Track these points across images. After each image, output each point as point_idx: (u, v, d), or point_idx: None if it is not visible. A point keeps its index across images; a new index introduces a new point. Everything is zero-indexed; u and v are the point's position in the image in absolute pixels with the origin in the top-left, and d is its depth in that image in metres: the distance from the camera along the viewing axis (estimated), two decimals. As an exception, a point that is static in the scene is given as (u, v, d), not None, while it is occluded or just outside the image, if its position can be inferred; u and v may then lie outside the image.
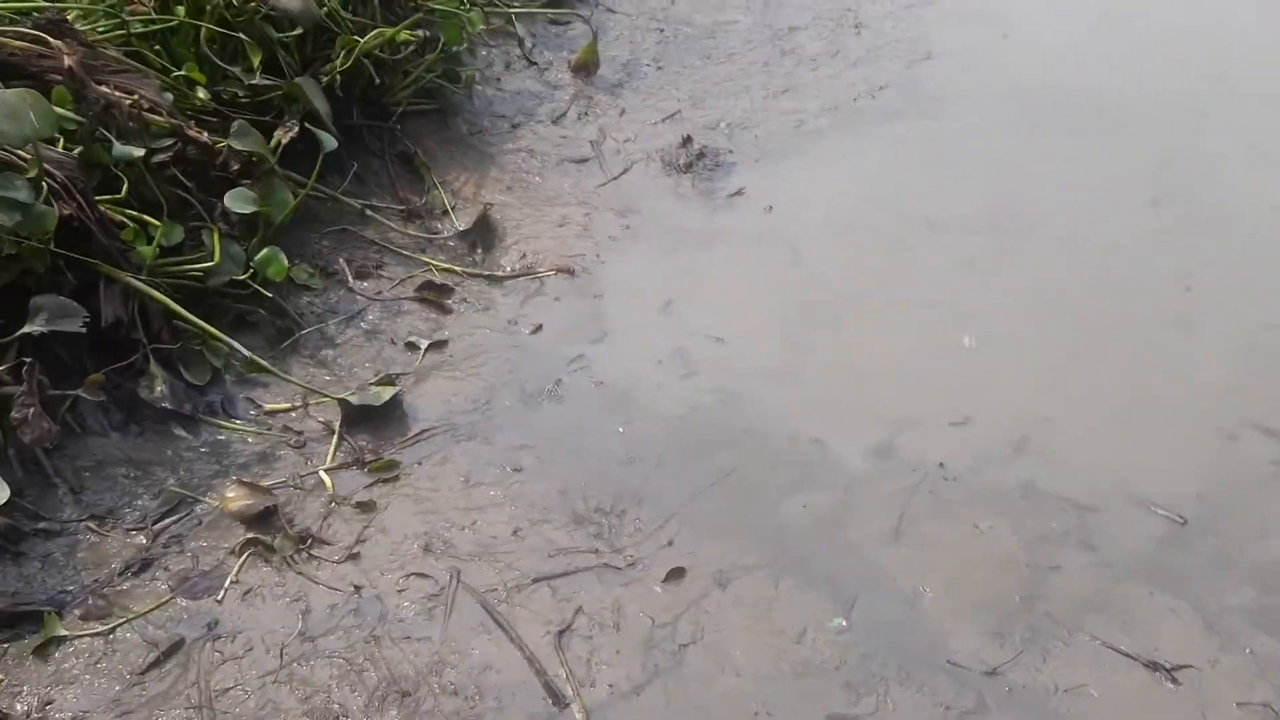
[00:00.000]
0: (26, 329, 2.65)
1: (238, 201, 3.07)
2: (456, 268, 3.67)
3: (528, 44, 4.73)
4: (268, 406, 3.09)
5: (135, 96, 3.03)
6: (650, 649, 2.45)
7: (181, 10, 3.37)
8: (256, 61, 3.40)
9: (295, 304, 3.38)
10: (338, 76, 3.69)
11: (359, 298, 3.52)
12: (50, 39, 2.90)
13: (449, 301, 3.54)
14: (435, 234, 3.83)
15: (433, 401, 3.16)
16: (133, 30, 3.30)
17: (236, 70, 3.48)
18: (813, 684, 2.39)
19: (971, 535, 2.74)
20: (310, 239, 3.64)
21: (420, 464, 2.96)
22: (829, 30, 5.07)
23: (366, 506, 2.81)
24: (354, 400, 3.02)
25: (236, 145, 3.20)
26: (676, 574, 2.64)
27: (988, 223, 3.84)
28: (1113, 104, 4.47)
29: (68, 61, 2.82)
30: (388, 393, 3.05)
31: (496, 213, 3.90)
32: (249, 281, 3.22)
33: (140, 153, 2.94)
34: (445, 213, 3.92)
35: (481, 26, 4.22)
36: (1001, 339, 3.33)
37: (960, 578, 2.63)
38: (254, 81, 3.45)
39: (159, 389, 2.93)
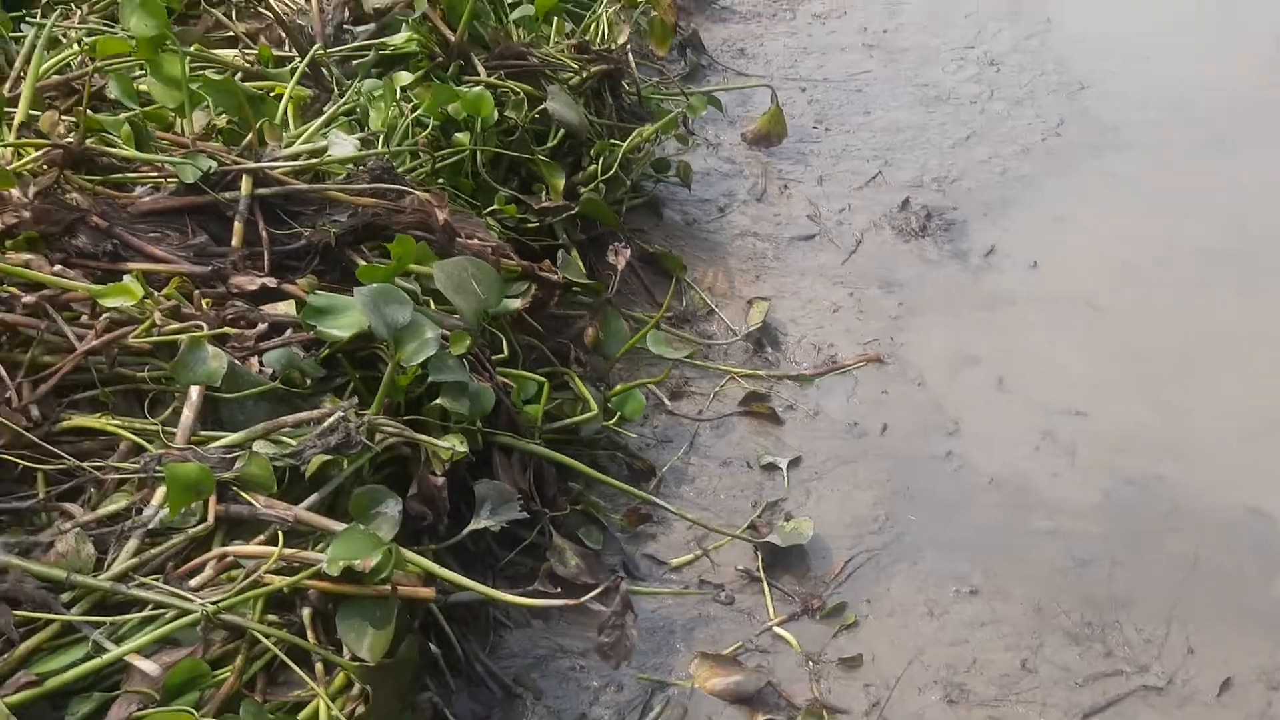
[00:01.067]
0: (479, 524, 2.31)
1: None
2: (760, 372, 3.43)
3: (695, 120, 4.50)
4: (673, 562, 2.79)
5: (479, 241, 2.71)
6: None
7: (465, 138, 3.04)
8: (560, 183, 3.09)
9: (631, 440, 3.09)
10: (601, 186, 3.41)
11: (683, 420, 3.24)
12: (409, 191, 2.55)
13: (776, 409, 3.29)
14: (712, 338, 3.57)
15: (831, 526, 2.90)
16: (426, 167, 2.96)
17: (515, 192, 3.17)
18: None
19: None
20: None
21: (869, 602, 2.70)
22: (966, 69, 5.00)
23: (852, 663, 2.54)
24: (778, 541, 2.75)
25: (571, 276, 2.89)
26: (1226, 685, 2.46)
27: (1262, 245, 3.80)
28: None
29: (441, 216, 2.48)
30: (808, 528, 2.79)
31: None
32: (607, 426, 2.91)
33: (519, 304, 2.61)
34: (711, 312, 3.66)
35: (703, 111, 3.98)
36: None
37: None
38: (546, 204, 3.13)
39: (572, 563, 2.60)
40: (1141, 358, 3.40)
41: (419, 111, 2.95)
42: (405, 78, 3.12)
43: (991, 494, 3.00)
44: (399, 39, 3.24)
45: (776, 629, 2.63)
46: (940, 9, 5.46)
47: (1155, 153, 4.34)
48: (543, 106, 3.17)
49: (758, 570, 2.77)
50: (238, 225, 2.45)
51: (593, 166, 3.41)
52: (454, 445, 2.17)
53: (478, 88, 2.96)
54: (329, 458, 1.99)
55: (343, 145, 2.70)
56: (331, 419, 2.02)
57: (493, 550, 2.60)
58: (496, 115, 2.99)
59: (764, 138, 4.44)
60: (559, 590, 2.42)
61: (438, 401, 2.26)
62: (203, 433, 2.07)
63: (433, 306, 2.38)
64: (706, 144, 4.49)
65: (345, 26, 3.39)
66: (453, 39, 3.21)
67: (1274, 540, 2.81)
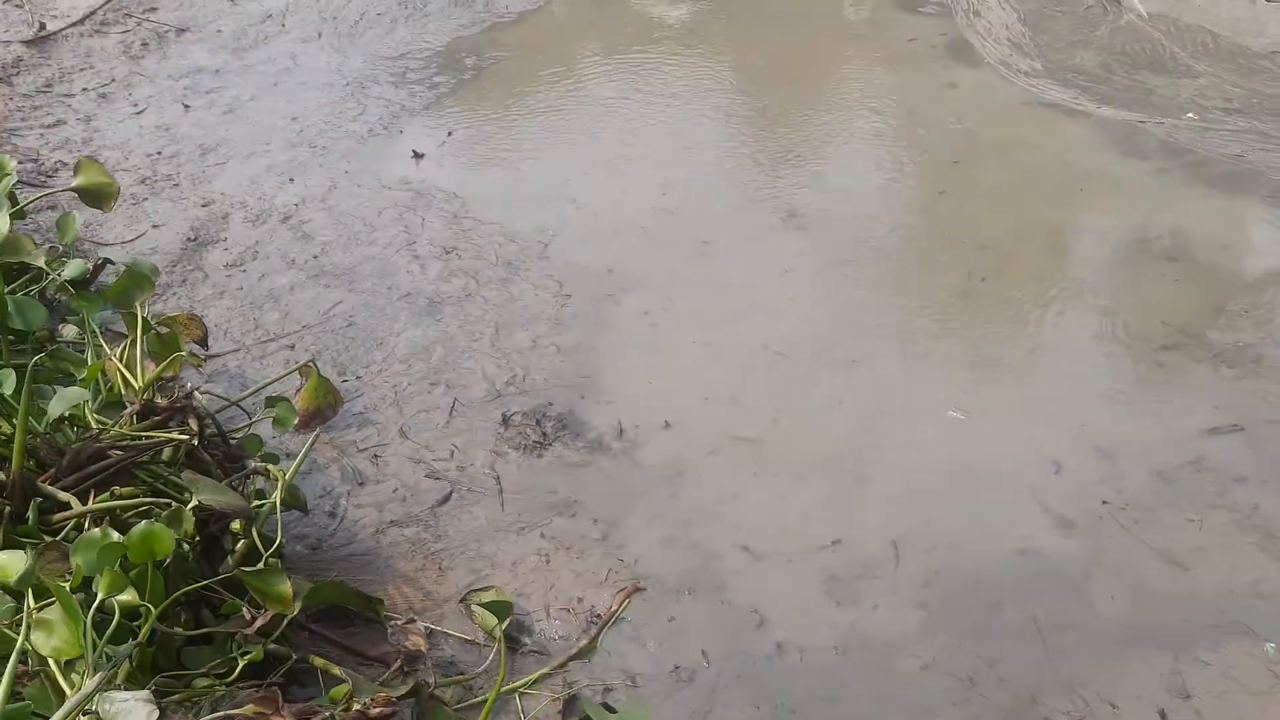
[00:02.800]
0: None
1: None
2: (537, 672, 2.92)
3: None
4: None
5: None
6: None
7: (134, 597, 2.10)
8: (286, 589, 2.27)
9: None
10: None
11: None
12: None
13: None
14: (457, 663, 2.95)
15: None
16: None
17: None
18: None
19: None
20: None
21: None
22: (430, 268, 4.80)
23: None
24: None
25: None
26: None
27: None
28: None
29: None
30: None
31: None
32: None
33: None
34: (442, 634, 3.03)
35: (293, 422, 3.24)
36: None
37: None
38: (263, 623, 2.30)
39: None
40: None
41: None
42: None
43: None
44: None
45: None
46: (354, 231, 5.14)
47: (663, 289, 4.54)
48: (194, 505, 2.30)
49: None
50: None
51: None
52: None
53: (141, 525, 2.03)
54: None
55: None
56: None
57: None
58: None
59: (316, 415, 3.76)
60: None
61: None
62: None
63: None
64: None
65: None
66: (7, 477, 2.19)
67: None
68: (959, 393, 3.89)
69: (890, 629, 3.09)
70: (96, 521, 2.19)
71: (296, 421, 3.66)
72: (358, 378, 4.11)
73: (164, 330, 3.16)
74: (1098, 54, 6.42)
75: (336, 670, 2.40)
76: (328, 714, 2.05)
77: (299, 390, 3.72)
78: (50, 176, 5.34)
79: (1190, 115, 5.60)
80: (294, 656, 2.38)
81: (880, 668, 2.98)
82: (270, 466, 2.88)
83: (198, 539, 2.42)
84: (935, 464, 3.61)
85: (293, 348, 4.25)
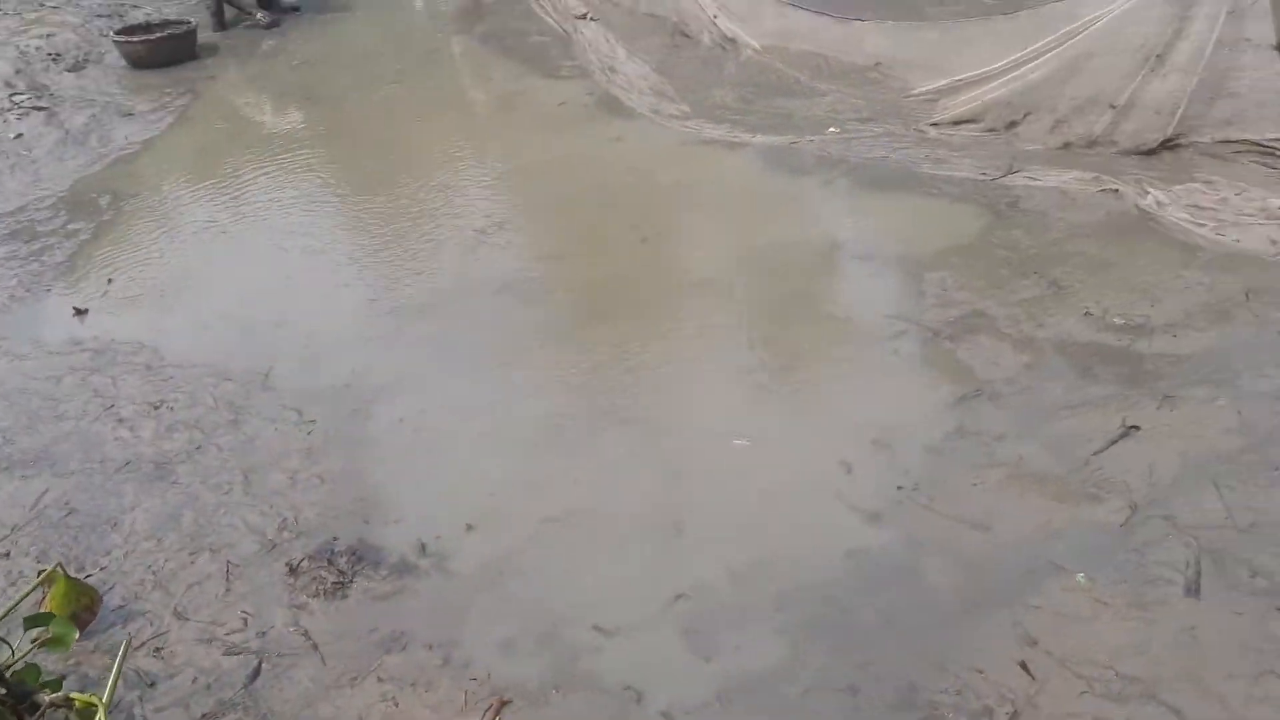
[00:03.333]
0: None
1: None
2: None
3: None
4: None
5: None
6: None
7: None
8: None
9: None
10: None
11: None
12: None
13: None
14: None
15: None
16: None
17: None
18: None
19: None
20: None
21: None
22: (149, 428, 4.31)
23: None
24: None
25: None
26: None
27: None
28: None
29: None
30: None
31: None
32: None
33: None
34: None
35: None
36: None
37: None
38: None
39: None
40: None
41: None
42: None
43: None
44: None
45: None
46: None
47: (412, 387, 4.35)
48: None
49: None
50: None
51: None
52: None
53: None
54: None
55: None
56: None
57: None
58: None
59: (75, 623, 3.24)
60: None
61: None
62: None
63: None
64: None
65: None
66: None
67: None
68: (736, 423, 3.99)
69: (762, 664, 3.09)
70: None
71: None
72: (101, 569, 3.57)
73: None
74: (733, 90, 6.93)
75: None
76: None
77: (43, 603, 3.21)
78: None
79: (832, 129, 6.17)
80: None
81: (767, 706, 2.97)
82: (76, 696, 2.41)
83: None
84: (741, 494, 3.67)
85: (8, 555, 3.63)
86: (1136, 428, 3.70)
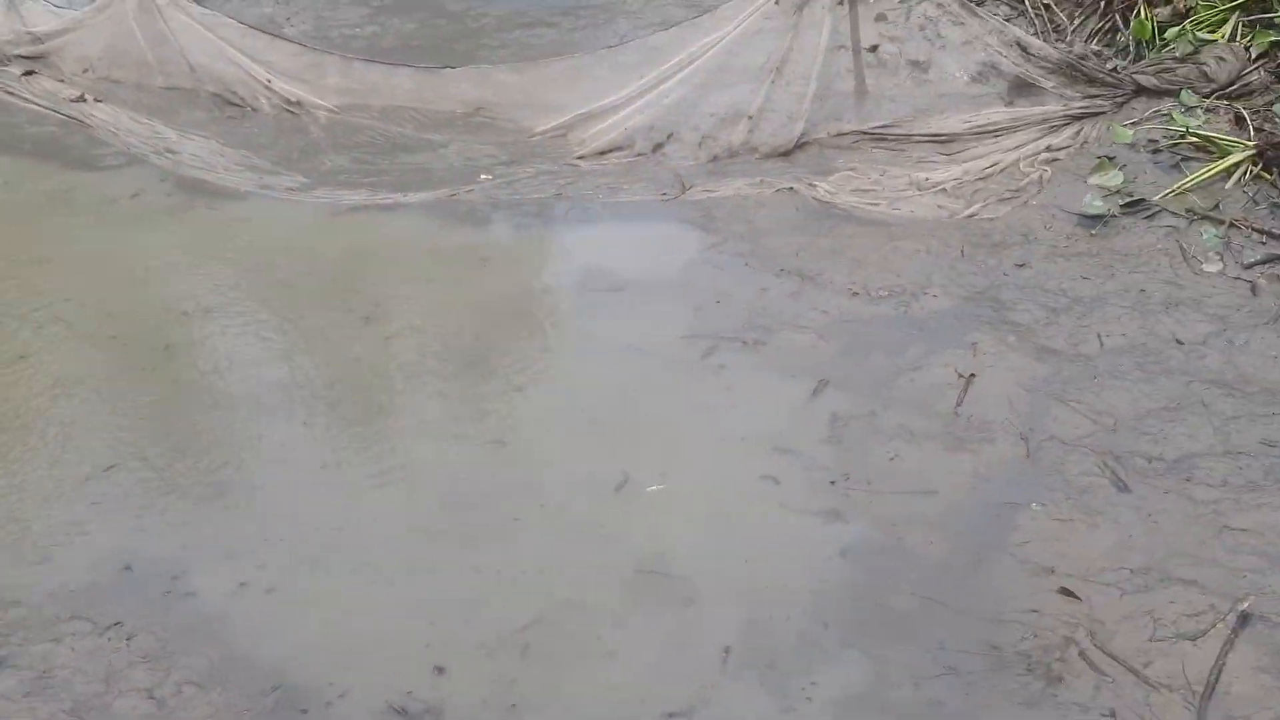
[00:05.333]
0: None
1: None
2: None
3: None
4: None
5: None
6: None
7: None
8: None
9: None
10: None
11: None
12: None
13: None
14: None
15: None
16: None
17: None
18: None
19: None
20: None
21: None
22: None
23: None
24: None
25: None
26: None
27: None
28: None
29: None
30: None
31: None
32: None
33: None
34: None
35: None
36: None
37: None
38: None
39: None
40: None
41: None
42: None
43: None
44: None
45: None
46: None
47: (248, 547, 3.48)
48: None
49: None
50: None
51: None
52: None
53: None
54: None
55: None
56: None
57: None
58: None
59: None
60: None
61: None
62: None
63: None
64: None
65: None
66: None
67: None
68: (636, 474, 3.78)
69: (859, 685, 3.02)
70: None
71: None
72: None
73: None
74: (341, 153, 6.40)
75: None
76: None
77: None
78: None
79: (484, 176, 5.98)
80: None
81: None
82: None
83: None
84: (688, 541, 3.51)
85: None
86: (973, 375, 4.17)
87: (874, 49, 6.09)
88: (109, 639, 3.26)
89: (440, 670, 3.12)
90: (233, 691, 3.08)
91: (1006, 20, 6.42)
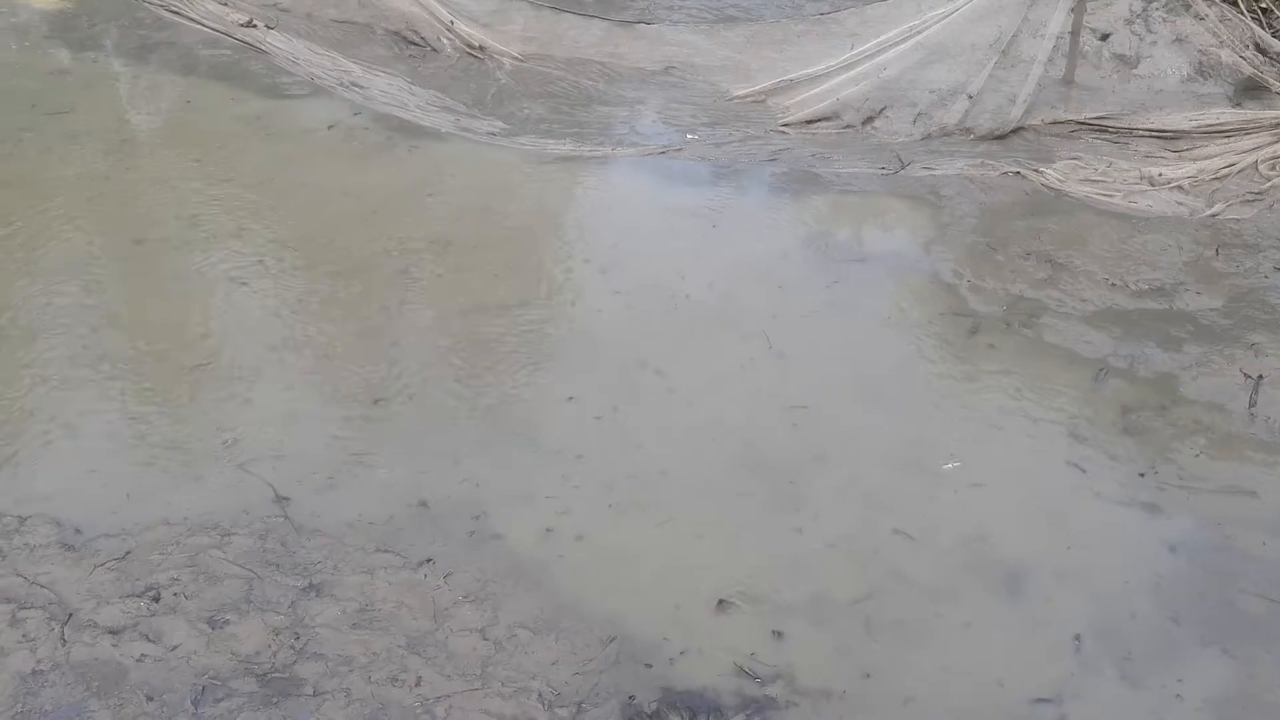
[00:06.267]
0: None
1: None
2: None
3: None
4: None
5: None
6: None
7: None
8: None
9: None
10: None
11: None
12: None
13: None
14: None
15: None
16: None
17: None
18: None
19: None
20: None
21: None
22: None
23: None
24: None
25: None
26: None
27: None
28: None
29: None
30: None
31: None
32: None
33: None
34: None
35: None
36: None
37: None
38: None
39: None
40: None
41: None
42: None
43: None
44: None
45: None
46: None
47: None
48: None
49: None
50: None
51: None
52: None
53: None
54: None
55: None
56: None
57: None
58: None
59: None
60: None
61: None
62: None
63: None
64: None
65: None
66: None
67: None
68: (931, 452, 3.64)
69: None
70: None
71: None
72: None
73: None
74: (535, 101, 6.24)
75: None
76: None
77: None
78: None
79: (691, 136, 5.83)
80: None
81: None
82: None
83: None
84: (1006, 524, 3.37)
85: None
86: (1262, 376, 4.03)
87: (1105, 37, 5.92)
88: (425, 575, 3.13)
89: (778, 635, 2.99)
90: (569, 639, 2.95)
91: (1221, 20, 6.26)
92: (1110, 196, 5.24)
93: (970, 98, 5.76)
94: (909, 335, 4.26)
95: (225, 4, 7.36)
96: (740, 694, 2.82)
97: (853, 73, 5.89)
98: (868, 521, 3.37)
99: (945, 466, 3.61)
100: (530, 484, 3.47)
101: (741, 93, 6.22)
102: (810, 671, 2.88)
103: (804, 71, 6.06)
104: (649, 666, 2.88)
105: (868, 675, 2.89)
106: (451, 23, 6.79)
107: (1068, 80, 6.16)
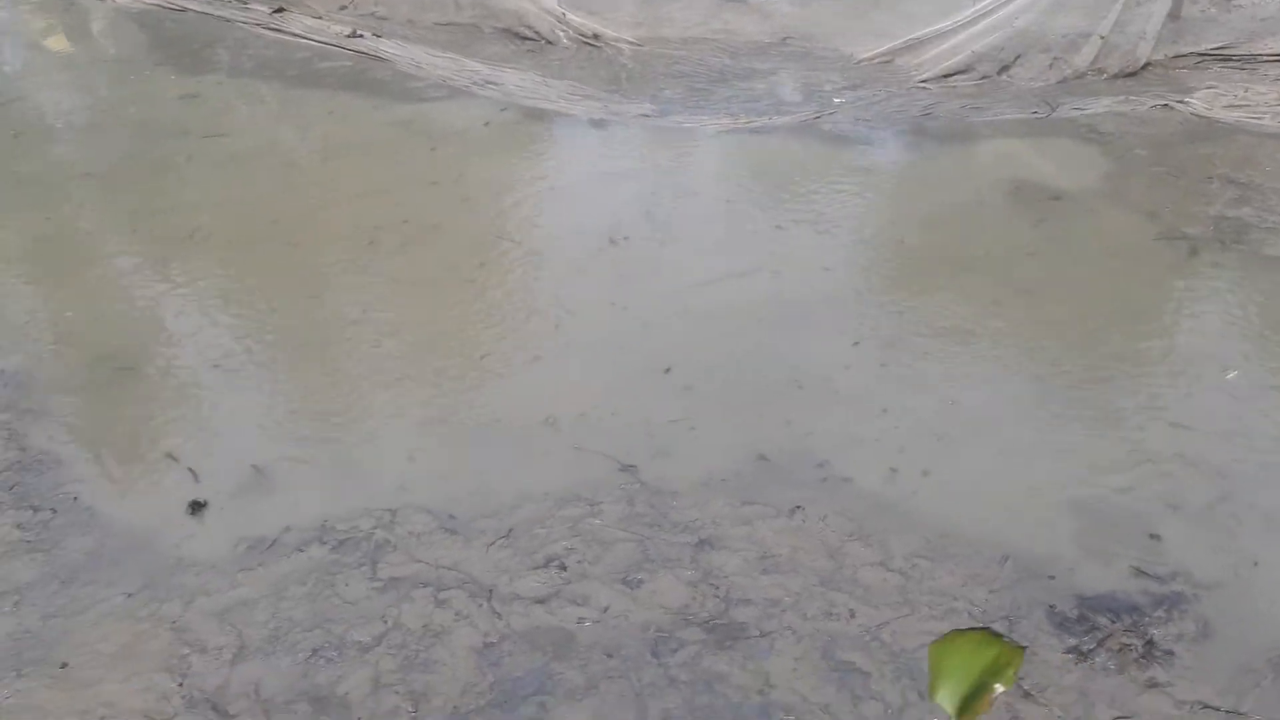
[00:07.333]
0: None
1: None
2: None
3: None
4: None
5: None
6: None
7: None
8: None
9: None
10: None
11: None
12: None
13: None
14: None
15: None
16: None
17: None
18: None
19: None
20: None
21: None
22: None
23: None
24: None
25: None
26: None
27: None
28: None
29: None
30: None
31: None
32: None
33: None
34: None
35: None
36: None
37: None
38: None
39: None
40: None
41: None
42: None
43: None
44: None
45: None
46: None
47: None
48: None
49: None
50: None
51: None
52: None
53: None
54: None
55: None
56: None
57: None
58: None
59: None
60: None
61: None
62: None
63: None
64: None
65: None
66: None
67: None
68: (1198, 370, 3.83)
69: None
70: None
71: None
72: None
73: None
74: (669, 83, 6.35)
75: None
76: None
77: None
78: None
79: (838, 100, 5.99)
80: None
81: None
82: None
83: None
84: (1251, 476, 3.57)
85: None
86: None
87: (1223, -30, 6.16)
88: (802, 520, 3.26)
89: (1155, 537, 3.17)
90: (966, 563, 3.10)
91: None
92: (1260, 119, 5.48)
93: (1102, 38, 5.97)
94: (1138, 262, 4.45)
95: (320, 17, 7.40)
96: (1148, 592, 2.99)
97: (981, 25, 6.08)
98: (1170, 433, 3.56)
99: (1228, 376, 3.80)
100: (852, 430, 3.61)
101: (868, 55, 6.39)
102: (1200, 567, 3.06)
103: (927, 30, 6.24)
104: (1051, 578, 3.05)
105: (1255, 564, 3.08)
106: (564, 14, 6.88)
107: (1174, 15, 6.39)
